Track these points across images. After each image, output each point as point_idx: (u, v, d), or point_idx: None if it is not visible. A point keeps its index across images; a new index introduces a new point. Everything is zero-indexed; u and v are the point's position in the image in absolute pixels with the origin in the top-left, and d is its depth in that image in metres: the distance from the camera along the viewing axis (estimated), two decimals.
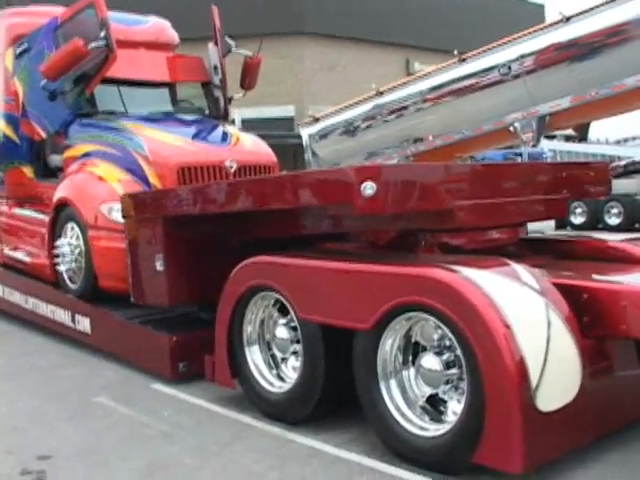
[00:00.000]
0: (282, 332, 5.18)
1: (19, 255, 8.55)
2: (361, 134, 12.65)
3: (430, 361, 4.23)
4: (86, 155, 7.68)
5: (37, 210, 8.46)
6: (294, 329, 5.11)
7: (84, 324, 7.18)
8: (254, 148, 7.84)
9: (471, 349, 3.84)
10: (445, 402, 4.23)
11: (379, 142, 12.63)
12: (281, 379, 5.23)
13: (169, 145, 7.30)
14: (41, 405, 5.74)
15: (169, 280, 5.92)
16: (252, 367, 5.29)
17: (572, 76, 10.20)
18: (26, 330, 8.35)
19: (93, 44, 7.43)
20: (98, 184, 7.29)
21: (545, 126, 12.27)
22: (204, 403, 5.61)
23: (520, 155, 23.45)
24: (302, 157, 13.11)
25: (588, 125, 19.83)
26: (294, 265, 4.87)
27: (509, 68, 11.84)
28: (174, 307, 6.34)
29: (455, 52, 12.53)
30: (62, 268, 7.49)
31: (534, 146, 12.59)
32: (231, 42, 8.58)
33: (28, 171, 8.74)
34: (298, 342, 5.07)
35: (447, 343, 4.16)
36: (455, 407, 4.13)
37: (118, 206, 6.93)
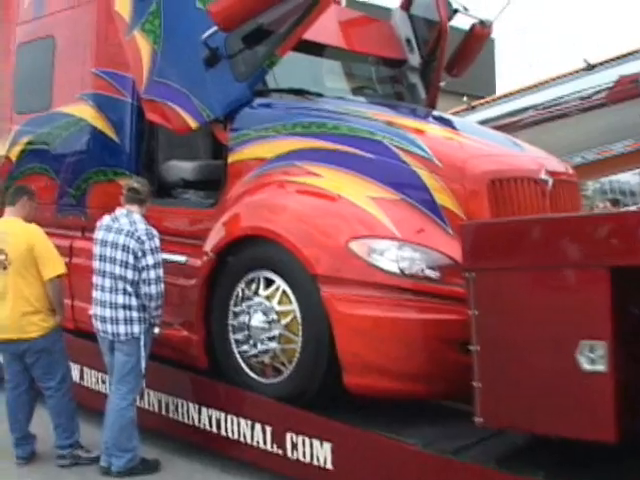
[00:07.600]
0: None
1: None
2: None
3: None
4: (285, 158, 4.58)
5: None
6: None
7: (313, 452, 4.03)
8: (545, 155, 4.98)
9: None
10: None
11: None
12: None
13: (462, 145, 4.37)
14: None
15: (618, 391, 2.94)
16: None
17: None
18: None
19: None
20: (334, 206, 4.22)
21: None
22: None
23: None
24: None
25: None
26: None
27: None
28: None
29: (584, 60, 10.15)
30: (248, 350, 4.36)
31: None
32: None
33: None
34: None
35: None
36: None
37: (383, 245, 3.97)
